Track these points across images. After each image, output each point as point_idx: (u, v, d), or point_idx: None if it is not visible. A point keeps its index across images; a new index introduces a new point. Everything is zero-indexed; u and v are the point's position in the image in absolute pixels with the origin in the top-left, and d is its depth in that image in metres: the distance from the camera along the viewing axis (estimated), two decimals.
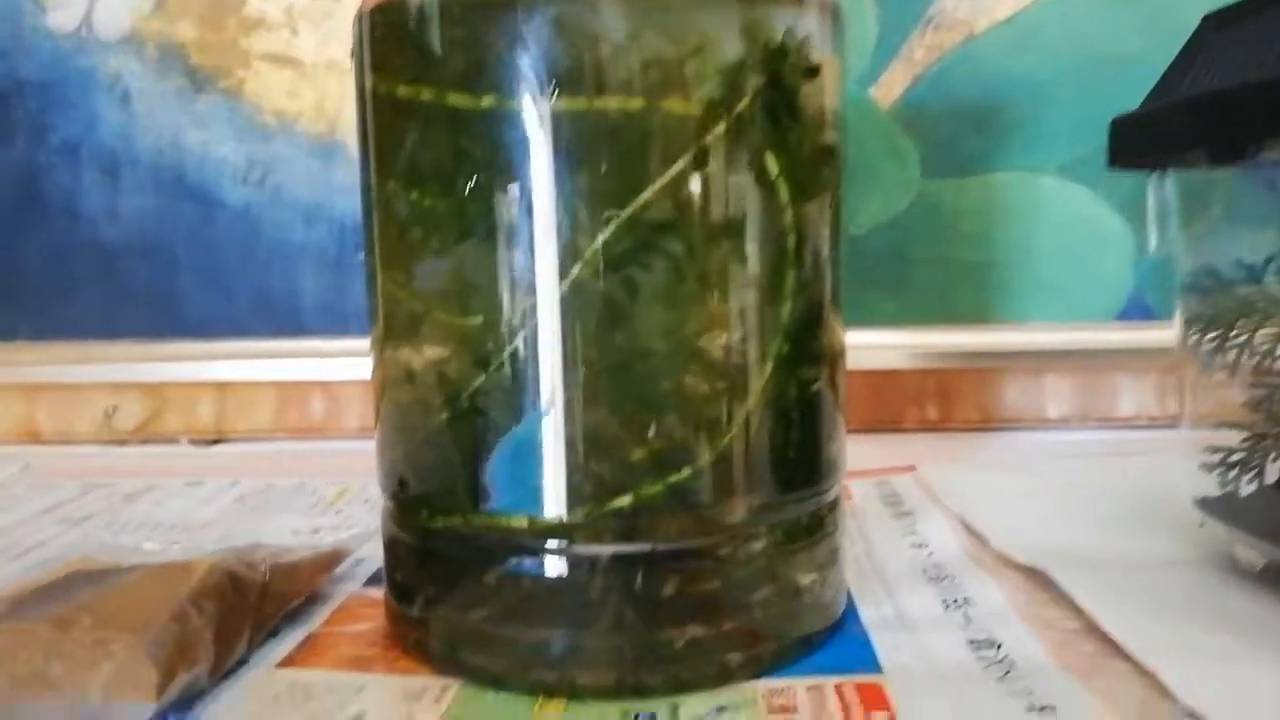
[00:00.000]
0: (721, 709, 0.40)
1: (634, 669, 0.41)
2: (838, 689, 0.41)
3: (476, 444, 0.41)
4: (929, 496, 0.64)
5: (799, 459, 0.44)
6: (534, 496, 0.40)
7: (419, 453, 0.43)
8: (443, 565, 0.43)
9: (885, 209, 0.84)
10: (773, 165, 0.41)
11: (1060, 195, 0.84)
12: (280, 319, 0.87)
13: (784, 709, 0.40)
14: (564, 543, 0.41)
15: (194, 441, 0.88)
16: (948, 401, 0.87)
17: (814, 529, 0.45)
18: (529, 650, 0.41)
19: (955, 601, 0.49)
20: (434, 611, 0.43)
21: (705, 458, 0.41)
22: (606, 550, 0.41)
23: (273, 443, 0.87)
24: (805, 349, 0.43)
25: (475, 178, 0.39)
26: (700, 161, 0.39)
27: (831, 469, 0.45)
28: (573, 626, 0.41)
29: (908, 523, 0.60)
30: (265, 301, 0.88)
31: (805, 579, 0.44)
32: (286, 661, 0.44)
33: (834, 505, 0.46)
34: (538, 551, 0.41)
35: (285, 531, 0.61)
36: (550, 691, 0.41)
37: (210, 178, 0.89)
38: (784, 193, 0.41)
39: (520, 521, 0.41)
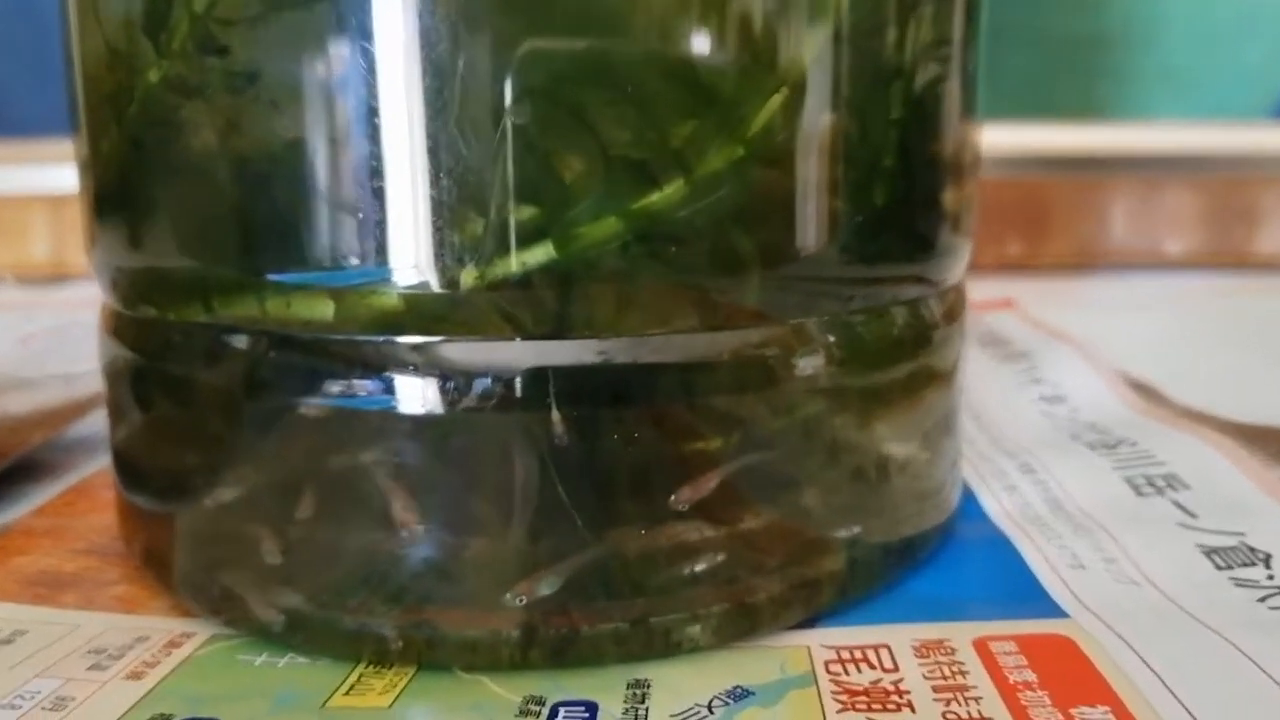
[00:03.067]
0: (741, 694, 0.19)
1: (559, 612, 0.20)
2: (981, 646, 0.20)
3: (222, 134, 0.19)
4: (1046, 335, 0.43)
5: (896, 199, 0.22)
6: (348, 243, 0.19)
7: (124, 166, 0.21)
8: (186, 404, 0.22)
9: None
10: None
11: None
12: None
13: (869, 695, 0.19)
14: (419, 344, 0.19)
15: (24, 282, 0.66)
16: (1036, 230, 0.65)
17: (917, 345, 0.23)
18: (345, 573, 0.20)
19: (1149, 480, 0.28)
20: (174, 496, 0.22)
21: (713, 161, 0.19)
22: (505, 359, 0.19)
23: None
24: None
25: None
26: None
27: (953, 235, 0.24)
28: (434, 524, 0.20)
29: (1025, 368, 0.38)
30: None
31: (899, 436, 0.23)
32: None
33: (953, 311, 0.25)
34: (362, 365, 0.20)
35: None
36: (383, 654, 0.20)
37: None
38: None
39: (318, 305, 0.19)
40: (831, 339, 0.21)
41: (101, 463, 0.30)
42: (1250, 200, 0.63)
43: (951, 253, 0.24)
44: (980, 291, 0.58)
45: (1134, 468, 0.28)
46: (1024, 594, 0.22)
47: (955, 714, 0.18)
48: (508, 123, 0.18)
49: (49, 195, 0.65)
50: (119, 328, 0.23)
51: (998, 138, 0.64)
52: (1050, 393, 0.36)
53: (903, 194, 0.22)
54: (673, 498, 0.20)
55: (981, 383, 0.37)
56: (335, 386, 0.20)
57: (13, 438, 0.28)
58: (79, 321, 0.49)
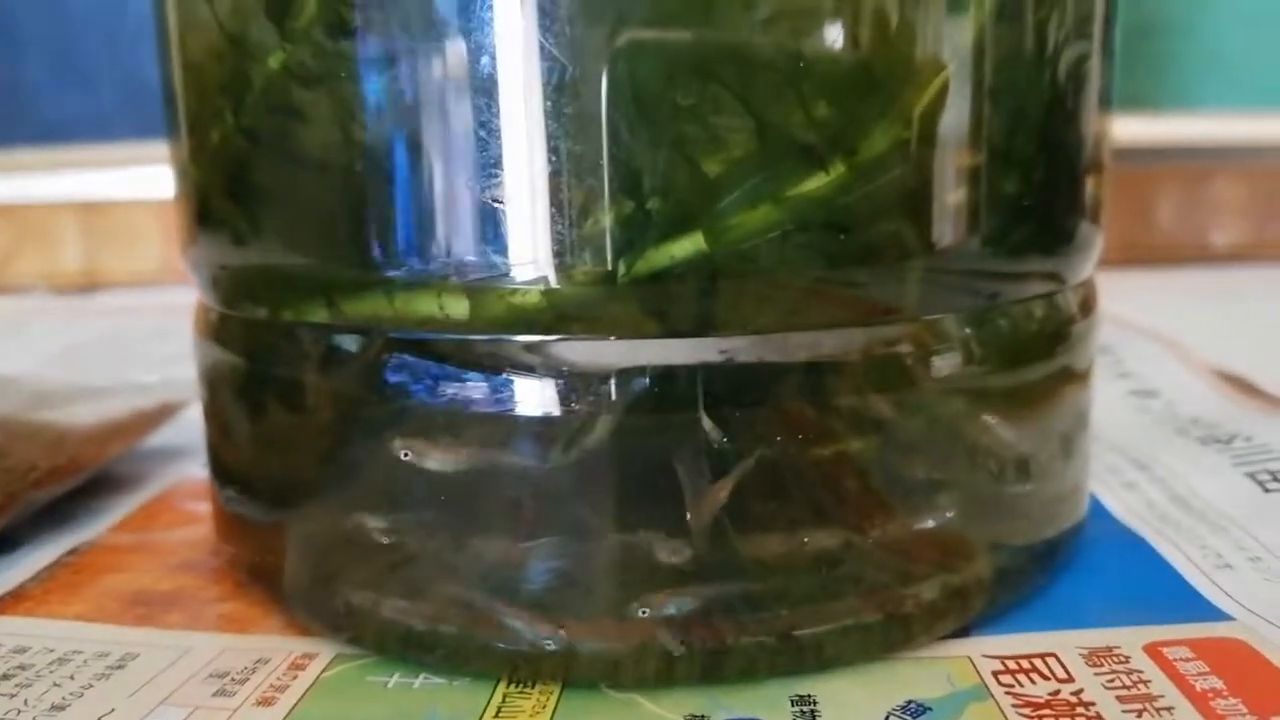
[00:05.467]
0: (918, 709, 0.18)
1: (703, 626, 0.19)
2: (1154, 652, 0.19)
3: (351, 124, 0.18)
4: (1120, 328, 0.42)
5: (1044, 188, 0.21)
6: (487, 238, 0.18)
7: (236, 159, 0.20)
8: (298, 409, 0.21)
9: None
10: None
11: None
12: (158, 116, 0.63)
13: (1053, 709, 0.17)
14: (545, 341, 0.18)
15: (57, 291, 0.64)
16: None
17: (1056, 340, 0.22)
18: (475, 587, 0.19)
19: (1275, 476, 0.26)
20: (286, 507, 0.21)
21: (877, 143, 0.18)
22: (640, 357, 0.18)
23: (166, 289, 0.63)
24: None
25: None
26: None
27: (1092, 227, 0.23)
28: (567, 533, 0.19)
29: (1110, 362, 0.37)
30: (140, 93, 0.64)
31: (1039, 436, 0.22)
32: (3, 602, 0.22)
33: (1088, 303, 0.23)
34: (488, 365, 0.18)
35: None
36: (524, 671, 0.19)
37: None
38: None
39: (452, 302, 0.18)
40: (969, 333, 0.20)
41: (177, 475, 0.29)
42: None
43: (1090, 244, 0.23)
44: None
45: (1255, 463, 0.27)
46: (1176, 596, 0.21)
47: None
48: (659, 107, 0.17)
49: (80, 202, 0.64)
50: (221, 332, 0.22)
51: None
52: (1140, 386, 0.35)
53: (1050, 183, 0.21)
54: (688, 516, 0.19)
55: None
56: (461, 389, 0.19)
57: (89, 450, 0.27)
58: (121, 331, 0.49)
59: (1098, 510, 0.26)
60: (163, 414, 0.29)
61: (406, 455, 0.19)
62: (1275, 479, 0.26)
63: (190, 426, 0.31)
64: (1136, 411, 0.33)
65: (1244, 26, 0.61)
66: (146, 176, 0.62)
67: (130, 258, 0.64)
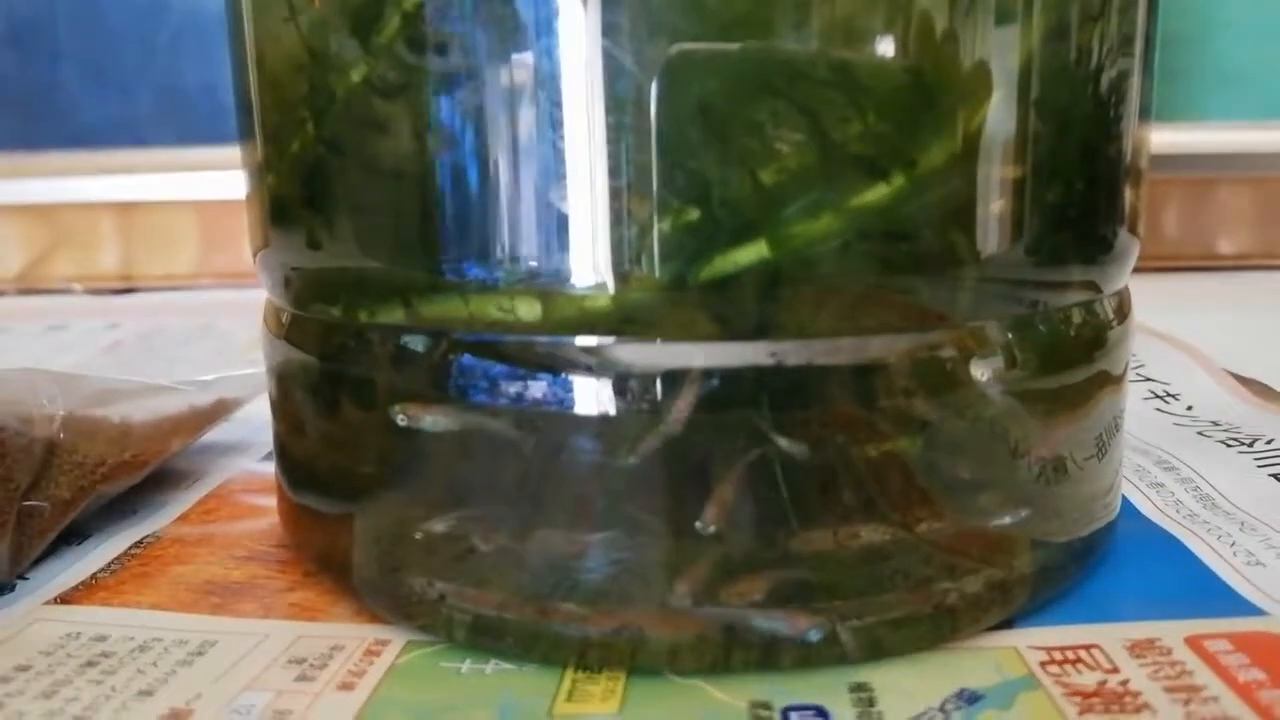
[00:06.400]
0: (972, 697, 0.18)
1: (762, 614, 0.19)
2: (1195, 644, 0.20)
3: (430, 134, 0.19)
4: (1142, 332, 0.42)
5: (1089, 199, 0.22)
6: (559, 243, 0.19)
7: (315, 167, 0.21)
8: (365, 407, 0.21)
9: None
10: None
11: None
12: (193, 122, 0.64)
13: (1102, 697, 0.18)
14: (603, 343, 0.19)
15: (92, 290, 0.65)
16: None
17: (1094, 346, 0.23)
18: (541, 577, 0.20)
19: None
20: (356, 502, 0.22)
21: (935, 156, 0.19)
22: (691, 359, 0.19)
23: (198, 291, 0.64)
24: None
25: None
26: None
27: (1130, 236, 0.23)
28: (625, 528, 0.20)
29: (1132, 366, 0.38)
30: (175, 98, 0.65)
31: (1077, 437, 0.23)
32: (77, 592, 0.23)
33: (1123, 308, 0.24)
34: (552, 365, 0.19)
35: None
36: (591, 658, 0.20)
37: None
38: None
39: (524, 305, 0.19)
40: (1011, 338, 0.21)
41: (231, 469, 0.30)
42: None
43: (1128, 254, 0.23)
44: None
45: (1279, 464, 0.28)
46: (1211, 592, 0.22)
47: (1199, 714, 0.18)
48: (727, 118, 0.18)
49: (117, 203, 0.65)
50: (292, 331, 0.22)
51: None
52: (1161, 390, 0.36)
53: (1093, 195, 0.22)
54: (698, 523, 0.19)
55: None
56: (525, 388, 0.20)
57: (151, 445, 0.28)
58: (158, 331, 0.49)
59: (1128, 509, 0.26)
60: (219, 411, 0.30)
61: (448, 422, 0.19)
62: None
63: (239, 423, 0.32)
64: (1157, 413, 0.34)
65: (1252, 41, 0.62)
66: (182, 180, 0.63)
67: (166, 259, 0.65)
